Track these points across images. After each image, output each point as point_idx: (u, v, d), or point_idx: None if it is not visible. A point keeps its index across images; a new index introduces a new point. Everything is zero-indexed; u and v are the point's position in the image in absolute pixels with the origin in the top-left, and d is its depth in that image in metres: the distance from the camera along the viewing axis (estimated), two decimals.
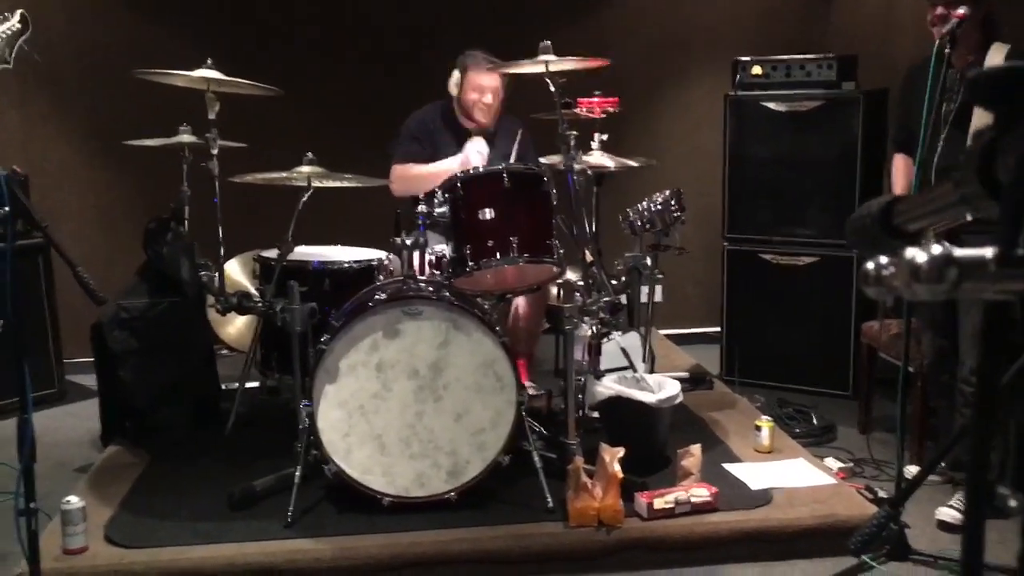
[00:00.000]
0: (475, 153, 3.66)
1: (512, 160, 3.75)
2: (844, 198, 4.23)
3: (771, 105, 4.36)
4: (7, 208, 1.81)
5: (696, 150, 5.12)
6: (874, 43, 4.69)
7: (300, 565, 2.71)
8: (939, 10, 2.96)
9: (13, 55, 2.43)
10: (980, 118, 2.82)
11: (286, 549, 2.74)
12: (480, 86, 3.78)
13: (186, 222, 3.71)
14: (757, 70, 4.40)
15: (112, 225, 4.82)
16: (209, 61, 3.47)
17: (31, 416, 1.87)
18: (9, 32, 2.43)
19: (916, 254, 0.62)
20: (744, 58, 4.46)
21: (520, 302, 3.78)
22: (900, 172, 3.34)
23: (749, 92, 4.42)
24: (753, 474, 3.18)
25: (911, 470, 3.24)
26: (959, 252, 0.62)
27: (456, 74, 3.84)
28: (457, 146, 3.81)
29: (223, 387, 3.94)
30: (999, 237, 0.62)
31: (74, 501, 2.71)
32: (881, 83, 4.34)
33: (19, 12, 2.49)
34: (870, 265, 0.64)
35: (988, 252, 0.62)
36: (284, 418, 3.36)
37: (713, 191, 4.62)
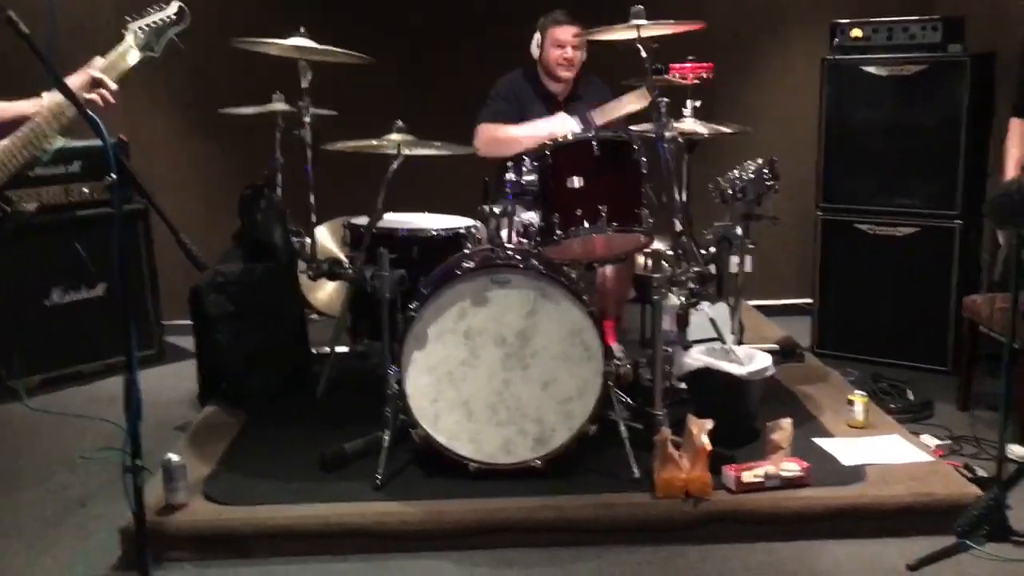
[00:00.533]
0: (562, 126, 3.64)
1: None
2: (947, 167, 4.07)
3: (871, 69, 4.20)
4: (114, 175, 1.87)
5: (791, 117, 4.97)
6: (983, 3, 4.46)
7: (389, 527, 2.76)
8: None
9: (162, 45, 2.46)
10: None
11: (375, 511, 2.80)
12: (559, 40, 3.83)
13: (279, 189, 3.79)
14: (857, 33, 4.24)
15: (208, 192, 4.95)
16: (302, 30, 3.51)
17: (137, 376, 1.94)
18: (162, 23, 2.45)
19: None
20: (843, 20, 4.30)
21: (607, 269, 3.76)
22: (1017, 139, 3.17)
23: (848, 56, 4.26)
24: (846, 449, 3.11)
25: (1014, 449, 3.13)
26: None
27: (537, 36, 3.88)
28: (544, 110, 3.82)
29: (314, 352, 4.03)
30: None
31: (175, 458, 2.82)
32: (990, 46, 4.14)
33: (177, 4, 2.48)
34: None
35: None
36: (373, 383, 3.41)
37: (808, 159, 4.49)
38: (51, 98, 2.29)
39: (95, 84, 2.31)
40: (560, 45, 3.83)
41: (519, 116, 3.85)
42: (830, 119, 4.34)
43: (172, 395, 4.07)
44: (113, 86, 2.31)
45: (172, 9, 2.49)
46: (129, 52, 2.41)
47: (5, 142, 2.19)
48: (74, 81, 2.29)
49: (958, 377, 3.83)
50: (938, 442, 3.36)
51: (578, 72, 3.93)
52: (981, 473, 3.07)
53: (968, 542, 2.68)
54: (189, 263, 2.16)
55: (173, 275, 4.50)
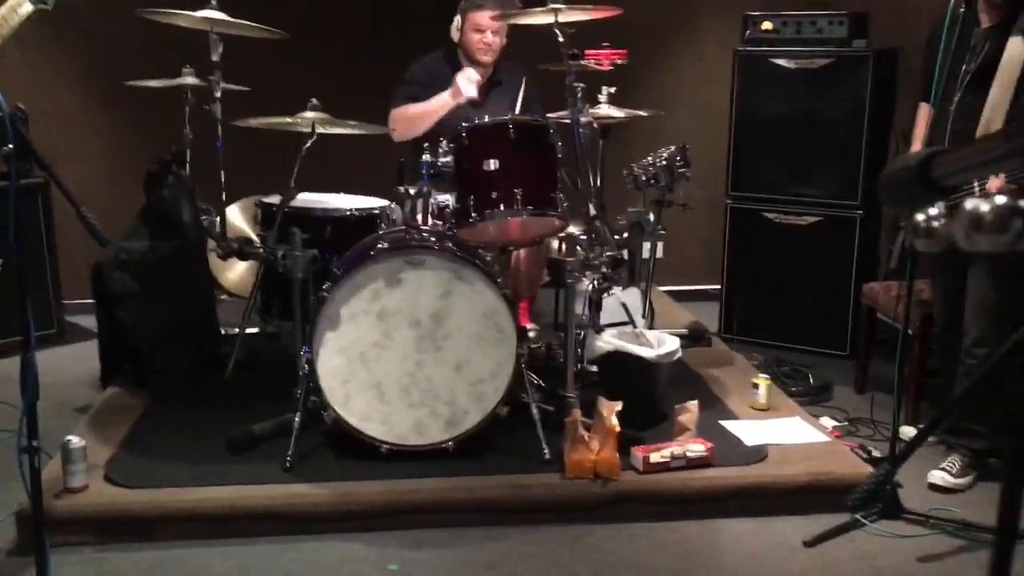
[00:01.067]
0: (465, 81, 3.63)
1: (518, 107, 3.74)
2: (850, 159, 4.21)
3: (780, 62, 4.31)
4: (11, 145, 1.79)
5: (704, 106, 5.07)
6: (888, 0, 4.62)
7: (298, 509, 2.74)
8: None
9: None
10: (1001, 80, 2.77)
11: (285, 493, 2.77)
12: (479, 24, 3.77)
13: (188, 165, 3.69)
14: (767, 25, 4.35)
15: (114, 167, 4.79)
16: (213, 1, 3.42)
17: (34, 355, 1.87)
18: None
19: (979, 204, 0.61)
20: (754, 13, 4.40)
21: (521, 251, 3.78)
22: (923, 121, 3.29)
23: (758, 48, 4.37)
24: (749, 431, 3.20)
25: (907, 431, 3.27)
26: None
27: (457, 19, 3.84)
28: (446, 90, 3.78)
29: (223, 332, 3.95)
30: None
31: (75, 440, 2.73)
32: (893, 42, 4.29)
33: None
34: (920, 216, 0.64)
35: None
36: (284, 364, 3.37)
37: (719, 148, 4.59)
38: None
39: None
40: (479, 30, 3.77)
41: (424, 96, 3.80)
42: (740, 109, 4.45)
43: (73, 375, 3.94)
44: (12, 23, 2.18)
45: None
46: (21, 4, 2.31)
47: None
48: None
49: (856, 361, 3.98)
50: (836, 424, 3.50)
51: (499, 57, 3.92)
52: (876, 453, 3.21)
53: (862, 519, 2.80)
54: (92, 239, 2.09)
55: (75, 252, 4.35)
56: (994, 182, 2.65)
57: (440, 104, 3.63)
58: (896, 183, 0.88)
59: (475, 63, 3.82)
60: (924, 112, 3.25)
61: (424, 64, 3.88)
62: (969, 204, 0.62)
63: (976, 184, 2.67)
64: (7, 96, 1.89)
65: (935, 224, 0.63)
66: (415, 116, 3.70)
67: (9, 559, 2.60)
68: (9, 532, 2.66)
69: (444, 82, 3.81)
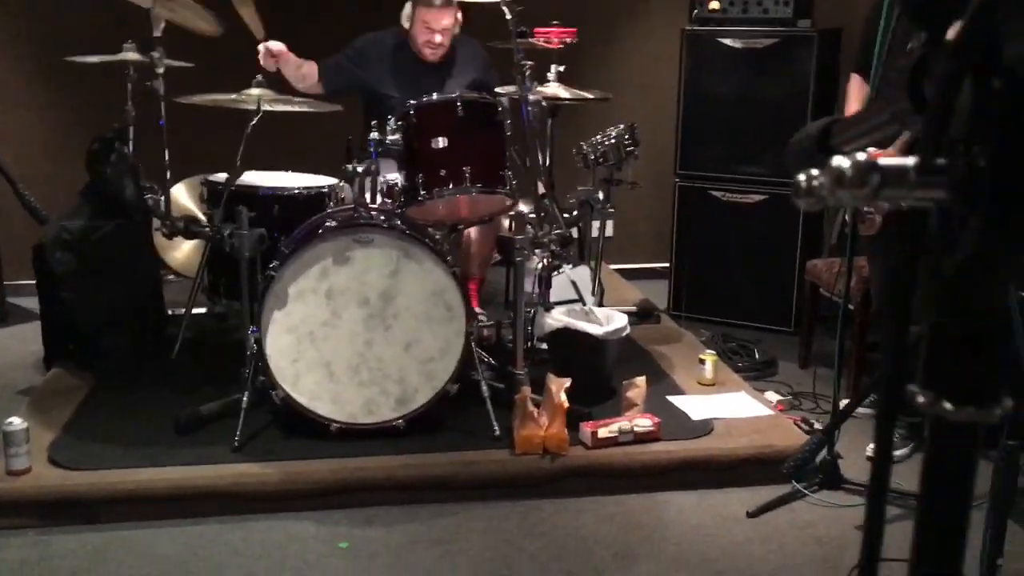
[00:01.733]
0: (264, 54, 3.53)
1: (474, 81, 3.72)
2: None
3: (727, 41, 4.35)
4: None
5: (652, 85, 5.10)
6: None
7: (246, 488, 2.73)
8: None
9: None
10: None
11: (233, 472, 2.76)
12: (429, 25, 3.64)
13: (131, 143, 3.62)
14: (715, 4, 4.38)
15: (54, 145, 4.68)
16: None
17: None
18: None
19: (841, 160, 0.65)
20: None
21: (471, 230, 3.78)
22: (854, 92, 3.34)
23: (706, 27, 4.40)
24: (695, 406, 3.26)
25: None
26: (882, 160, 0.65)
27: (408, 7, 3.76)
28: (402, 76, 3.74)
29: (170, 313, 3.91)
30: (920, 147, 0.65)
31: (17, 422, 2.69)
32: (837, 22, 4.36)
33: None
34: (801, 177, 0.66)
35: (910, 161, 0.64)
36: (231, 344, 3.35)
37: (667, 127, 4.63)
38: None
39: None
40: (429, 28, 3.65)
41: (363, 75, 3.76)
42: (688, 89, 4.48)
43: (15, 358, 3.87)
44: None
45: None
46: None
47: None
48: None
49: (800, 337, 4.06)
50: (779, 398, 3.57)
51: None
52: (817, 426, 3.28)
53: (803, 490, 2.87)
54: (31, 219, 2.06)
55: (16, 232, 4.25)
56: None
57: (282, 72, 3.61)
58: (799, 151, 0.91)
59: (421, 58, 3.76)
60: (856, 84, 3.30)
61: (367, 42, 3.82)
62: (833, 161, 0.65)
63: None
64: None
65: (815, 184, 0.66)
66: (288, 78, 3.67)
67: None
68: None
69: (380, 62, 3.76)
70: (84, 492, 2.67)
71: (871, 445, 3.13)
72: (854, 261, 3.06)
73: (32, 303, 3.90)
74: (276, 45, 3.53)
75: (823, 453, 2.90)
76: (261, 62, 3.50)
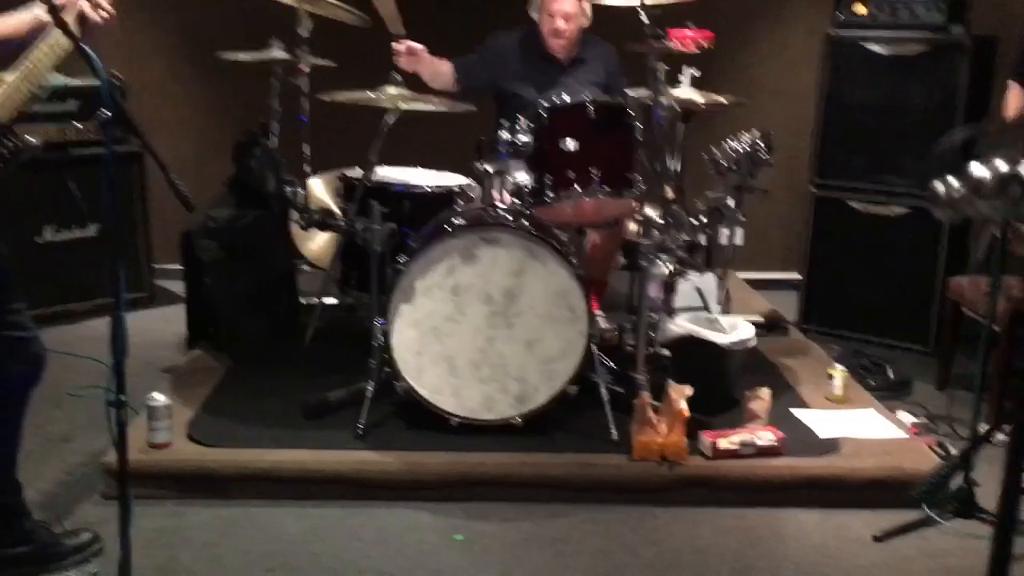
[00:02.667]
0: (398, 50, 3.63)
1: (603, 83, 3.73)
2: None
3: (873, 47, 4.19)
4: (108, 112, 1.87)
5: (789, 90, 4.97)
6: None
7: (368, 475, 2.81)
8: None
9: None
10: None
11: (355, 459, 2.84)
12: (551, 10, 3.70)
13: (274, 137, 3.78)
14: (861, 9, 4.22)
15: (204, 137, 4.94)
16: None
17: (123, 313, 1.96)
18: None
19: (980, 170, 0.61)
20: None
21: (596, 234, 3.77)
22: (1012, 100, 3.16)
23: (851, 32, 4.25)
24: (822, 422, 3.16)
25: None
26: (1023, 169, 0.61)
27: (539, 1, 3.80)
28: (531, 73, 3.78)
29: (303, 302, 4.05)
30: None
31: (160, 398, 2.85)
32: (992, 30, 4.13)
33: None
34: (940, 187, 0.63)
35: None
36: (359, 335, 3.44)
37: (803, 134, 4.50)
38: (52, 34, 2.26)
39: None
40: (552, 15, 3.70)
41: (495, 73, 3.83)
42: (829, 95, 4.34)
43: (160, 337, 4.10)
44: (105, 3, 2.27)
45: None
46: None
47: (8, 76, 2.17)
48: None
49: (939, 357, 3.88)
50: (914, 420, 3.41)
51: (582, 34, 3.89)
52: (953, 451, 3.12)
53: (935, 517, 2.73)
54: (182, 207, 2.17)
55: (167, 219, 4.50)
56: None
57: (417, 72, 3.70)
58: (942, 159, 0.87)
59: (548, 54, 3.80)
60: (1015, 92, 3.12)
61: (496, 39, 3.89)
62: (971, 170, 0.62)
63: None
64: (105, 66, 1.97)
65: (954, 195, 0.63)
66: (423, 78, 3.76)
67: (95, 507, 2.73)
68: (98, 482, 2.79)
69: (514, 60, 3.82)
70: (218, 468, 2.80)
71: None
72: (1002, 280, 2.90)
73: (178, 286, 4.13)
74: (414, 45, 3.61)
75: (959, 479, 2.76)
76: (397, 61, 3.59)
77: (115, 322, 1.98)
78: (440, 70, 3.80)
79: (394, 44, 3.61)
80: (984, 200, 0.57)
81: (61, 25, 2.05)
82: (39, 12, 2.16)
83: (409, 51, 3.61)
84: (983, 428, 2.81)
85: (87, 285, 4.25)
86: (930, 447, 3.11)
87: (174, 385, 3.33)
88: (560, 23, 3.70)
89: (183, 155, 4.79)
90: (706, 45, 3.80)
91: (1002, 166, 0.59)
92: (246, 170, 3.72)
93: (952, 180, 0.60)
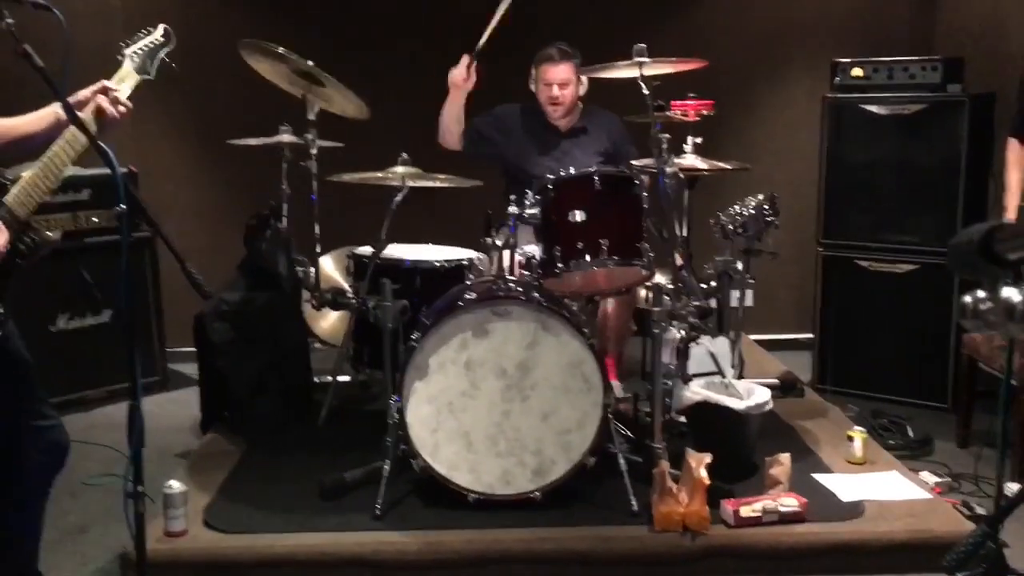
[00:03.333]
0: (454, 72, 3.86)
1: (606, 152, 3.80)
2: (947, 205, 4.11)
3: (872, 108, 4.25)
4: (124, 205, 1.90)
5: (792, 153, 5.02)
6: (982, 44, 4.52)
7: (386, 556, 2.77)
8: None
9: (155, 67, 2.55)
10: None
11: (374, 540, 2.81)
12: (546, 79, 3.86)
13: (284, 219, 3.83)
14: (858, 72, 4.30)
15: (215, 221, 5.00)
16: (310, 63, 3.57)
17: (140, 403, 1.96)
18: (152, 45, 2.55)
19: (1012, 294, 0.61)
20: (844, 59, 4.36)
21: (608, 306, 3.79)
22: (1013, 158, 3.19)
23: (848, 94, 4.32)
24: (844, 485, 3.11)
25: (1012, 487, 3.12)
26: None
27: (533, 71, 3.91)
28: (534, 144, 3.87)
29: (316, 380, 4.05)
30: None
31: (176, 486, 2.83)
32: (989, 86, 4.19)
33: (162, 26, 2.59)
34: (967, 299, 0.64)
35: None
36: (374, 412, 3.44)
37: (808, 195, 4.53)
38: (69, 130, 2.33)
39: (104, 92, 2.34)
40: (548, 84, 3.85)
41: (500, 141, 3.93)
42: (831, 156, 4.39)
43: (174, 422, 4.09)
44: (123, 95, 2.35)
45: (159, 32, 2.59)
46: (128, 76, 2.48)
47: (27, 173, 2.23)
48: (83, 94, 2.33)
49: (958, 414, 3.84)
50: (937, 479, 3.37)
51: (580, 104, 3.97)
52: (979, 511, 3.07)
53: None
54: (194, 291, 2.19)
55: (179, 302, 4.53)
56: None
57: (450, 100, 3.92)
58: (961, 256, 0.87)
59: (550, 124, 3.90)
60: (1015, 149, 3.16)
61: (502, 110, 4.02)
62: (1004, 293, 0.62)
63: None
64: (116, 155, 2.01)
65: (981, 307, 0.63)
66: (442, 117, 3.95)
67: None
68: (115, 574, 2.76)
69: (518, 130, 3.93)
70: (236, 555, 2.77)
71: None
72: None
73: (192, 369, 4.13)
74: (466, 75, 3.82)
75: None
76: (453, 71, 3.84)
77: (132, 410, 1.99)
78: (460, 118, 3.96)
79: (466, 56, 3.83)
80: (1017, 323, 0.58)
81: (77, 123, 2.10)
82: (58, 109, 2.22)
83: (468, 69, 3.82)
84: (1009, 487, 2.76)
85: (101, 372, 4.27)
86: (956, 507, 3.06)
87: (189, 470, 3.31)
88: (556, 91, 3.84)
89: (195, 239, 4.84)
90: (707, 113, 3.86)
91: None
92: (257, 252, 3.76)
93: (980, 294, 0.61)
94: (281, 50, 3.53)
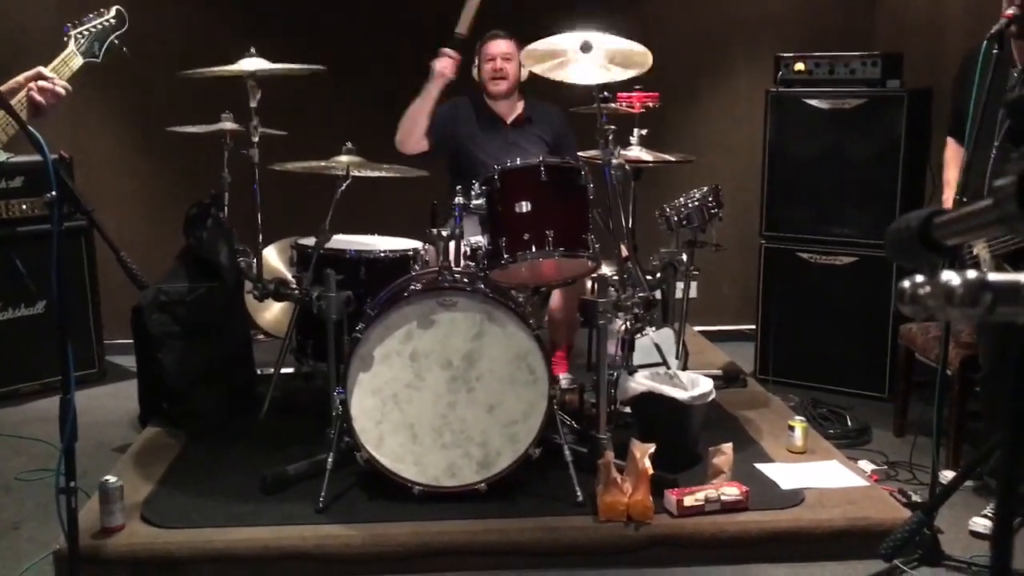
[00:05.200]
0: (439, 63, 3.79)
1: (550, 143, 3.79)
2: (885, 198, 4.18)
3: (813, 102, 4.31)
4: (54, 192, 1.85)
5: (735, 146, 5.08)
6: (921, 41, 4.62)
7: (330, 550, 2.74)
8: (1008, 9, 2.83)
9: (103, 50, 2.46)
10: None
11: (317, 534, 2.78)
12: (489, 53, 3.87)
13: (226, 208, 3.76)
14: (800, 67, 4.35)
15: (154, 210, 4.89)
16: (252, 50, 3.50)
17: (73, 397, 1.91)
18: (102, 27, 2.46)
19: (951, 278, 0.62)
20: (787, 54, 4.41)
21: (555, 293, 3.79)
22: (951, 157, 3.26)
23: (791, 89, 4.37)
24: (785, 474, 3.16)
25: (947, 475, 3.20)
26: (993, 276, 0.62)
27: (476, 57, 3.92)
28: (481, 134, 3.85)
29: (259, 372, 3.99)
30: None
31: (112, 480, 2.77)
32: (927, 82, 4.28)
33: (115, 8, 2.51)
34: (906, 284, 0.64)
35: (1023, 277, 0.61)
36: (318, 405, 3.40)
37: (751, 188, 4.59)
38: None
39: (39, 78, 2.26)
40: (491, 58, 3.86)
41: (450, 132, 3.89)
42: (773, 150, 4.44)
43: (112, 416, 4.00)
44: (60, 82, 2.27)
45: (111, 13, 2.50)
46: (72, 58, 2.40)
47: None
48: (18, 80, 2.25)
49: (895, 404, 3.92)
50: (874, 467, 3.44)
51: (522, 95, 3.96)
52: (915, 498, 3.14)
53: (901, 566, 2.73)
54: (131, 281, 2.14)
55: (117, 293, 4.43)
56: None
57: (427, 93, 3.82)
58: (899, 242, 0.88)
59: (492, 96, 3.89)
60: (952, 149, 3.23)
61: (453, 102, 3.97)
62: (943, 277, 0.62)
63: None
64: (52, 142, 1.96)
65: (920, 292, 0.63)
66: (411, 113, 3.84)
67: None
68: (48, 571, 2.69)
69: (466, 120, 3.89)
70: (174, 550, 2.71)
71: (974, 519, 2.98)
72: (952, 325, 2.96)
73: (130, 362, 4.04)
74: (454, 66, 3.78)
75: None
76: (440, 61, 3.77)
77: (64, 404, 1.94)
78: (430, 113, 3.88)
79: (445, 48, 3.77)
80: (956, 308, 0.59)
81: (6, 109, 2.03)
82: None
83: (451, 59, 3.78)
84: (943, 474, 2.83)
85: (35, 364, 4.16)
86: (892, 494, 3.13)
87: (127, 464, 3.24)
88: (499, 63, 3.85)
89: (133, 229, 4.74)
90: (653, 105, 3.89)
91: (971, 274, 0.60)
92: (198, 242, 3.69)
93: (918, 279, 0.61)
94: (221, 70, 3.43)
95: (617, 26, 3.26)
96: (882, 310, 4.22)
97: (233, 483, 3.07)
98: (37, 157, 1.89)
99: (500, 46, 3.86)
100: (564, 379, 3.79)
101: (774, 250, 4.48)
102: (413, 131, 3.84)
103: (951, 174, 3.22)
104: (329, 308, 3.10)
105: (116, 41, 2.49)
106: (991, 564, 0.68)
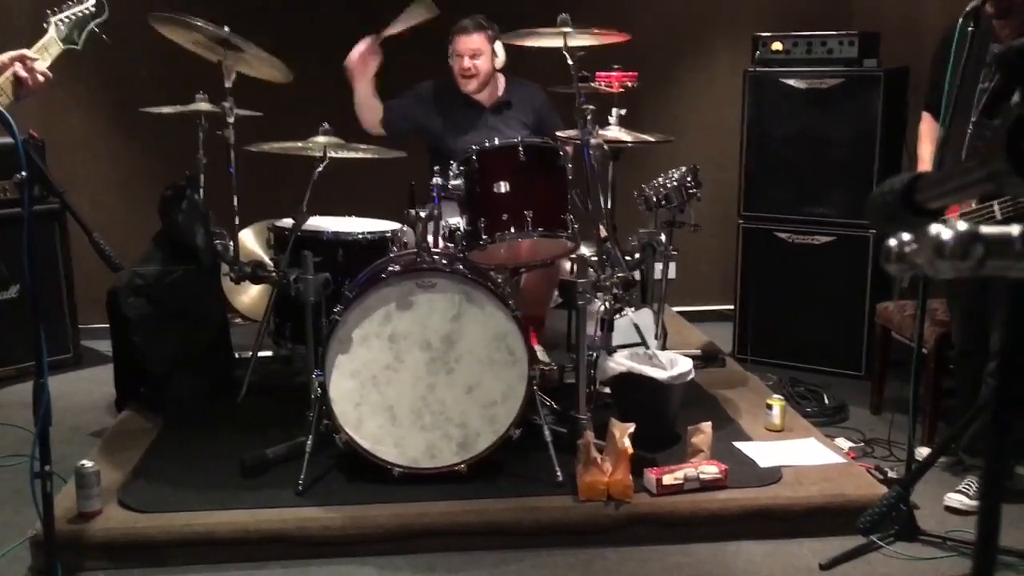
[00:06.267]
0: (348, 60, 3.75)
1: (531, 126, 3.77)
2: (862, 177, 4.20)
3: (791, 82, 4.31)
4: (24, 173, 1.82)
5: (714, 126, 5.08)
6: (898, 20, 4.62)
7: (310, 533, 2.74)
8: None
9: (83, 37, 2.44)
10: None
11: (297, 517, 2.77)
12: (457, 50, 3.80)
13: (202, 190, 3.72)
14: (777, 46, 4.35)
15: (128, 192, 4.83)
16: (226, 29, 3.46)
17: (47, 380, 1.89)
18: (82, 15, 2.43)
19: (941, 230, 0.61)
20: (764, 34, 4.41)
21: (531, 273, 3.78)
22: (926, 130, 3.27)
23: (769, 68, 4.37)
24: (763, 452, 3.18)
25: (922, 451, 3.24)
26: (985, 229, 0.61)
27: (449, 45, 3.85)
28: (456, 118, 3.83)
29: (236, 356, 3.96)
30: None
31: (88, 465, 2.74)
32: (904, 61, 4.29)
33: None
34: (892, 242, 0.63)
35: (1015, 229, 0.60)
36: (296, 387, 3.38)
37: (730, 168, 4.59)
38: None
39: (22, 60, 2.24)
40: (460, 55, 3.78)
41: (420, 118, 3.87)
42: (751, 130, 4.45)
43: (88, 400, 3.96)
44: (42, 65, 2.25)
45: (91, 1, 2.47)
46: (51, 44, 2.37)
47: None
48: (1, 59, 2.22)
49: (872, 382, 3.95)
50: (851, 444, 3.47)
51: (502, 77, 3.93)
52: (891, 474, 3.17)
53: (878, 541, 2.76)
54: (105, 264, 2.12)
55: (92, 277, 4.38)
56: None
57: (354, 86, 3.81)
58: (882, 206, 0.88)
59: (469, 98, 3.86)
60: (927, 122, 3.24)
61: (426, 85, 3.96)
62: (932, 230, 0.62)
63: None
64: (23, 123, 1.92)
65: (906, 249, 0.63)
66: (356, 101, 3.85)
67: None
68: (25, 557, 2.67)
69: (443, 104, 3.87)
70: (152, 535, 2.70)
71: (949, 495, 3.02)
72: (928, 304, 2.98)
73: (105, 346, 4.01)
74: (377, 53, 3.70)
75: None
76: (351, 55, 3.70)
77: (37, 388, 1.91)
78: (373, 103, 3.84)
79: (368, 38, 3.70)
80: (946, 261, 0.58)
81: None
82: None
83: (369, 49, 3.69)
84: (919, 451, 2.86)
85: (9, 349, 4.11)
86: (868, 471, 3.16)
87: (104, 449, 3.21)
88: (467, 62, 3.78)
89: (108, 211, 4.68)
90: (631, 84, 3.87)
91: (962, 226, 0.59)
92: (173, 224, 3.64)
93: (905, 237, 0.61)
94: (199, 22, 3.40)
95: (596, 6, 3.24)
96: (859, 289, 4.24)
97: (212, 467, 3.06)
98: (7, 139, 1.86)
99: (469, 43, 3.76)
100: (538, 351, 3.76)
101: (752, 230, 4.49)
102: (364, 118, 3.85)
103: (924, 149, 3.24)
104: (307, 290, 3.08)
105: (96, 29, 2.46)
106: (976, 534, 0.68)
